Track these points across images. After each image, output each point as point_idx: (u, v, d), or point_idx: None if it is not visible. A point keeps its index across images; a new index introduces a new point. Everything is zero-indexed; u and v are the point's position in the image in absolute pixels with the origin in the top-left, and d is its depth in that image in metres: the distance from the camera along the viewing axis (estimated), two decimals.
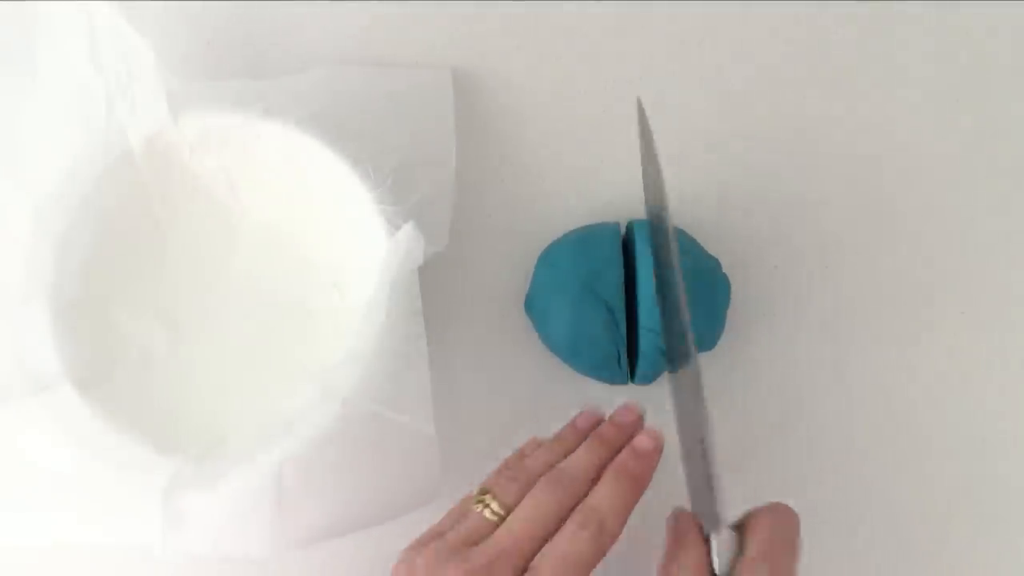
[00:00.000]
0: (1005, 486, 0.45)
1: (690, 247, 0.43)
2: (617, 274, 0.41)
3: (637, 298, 0.41)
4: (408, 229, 0.39)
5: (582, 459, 0.35)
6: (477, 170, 0.46)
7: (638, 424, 0.36)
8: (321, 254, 0.45)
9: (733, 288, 0.44)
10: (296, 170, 0.43)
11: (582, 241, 0.43)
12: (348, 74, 0.46)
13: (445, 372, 0.44)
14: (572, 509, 0.33)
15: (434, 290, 0.42)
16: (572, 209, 0.46)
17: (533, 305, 0.44)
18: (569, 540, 0.32)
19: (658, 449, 0.35)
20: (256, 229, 0.45)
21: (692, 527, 0.34)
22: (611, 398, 0.41)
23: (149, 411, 0.42)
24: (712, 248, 0.44)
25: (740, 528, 0.34)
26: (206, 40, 0.47)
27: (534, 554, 0.32)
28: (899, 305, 0.46)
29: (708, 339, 0.43)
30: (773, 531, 0.33)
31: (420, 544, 0.34)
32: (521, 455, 0.37)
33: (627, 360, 0.42)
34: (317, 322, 0.45)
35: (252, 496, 0.38)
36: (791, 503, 0.37)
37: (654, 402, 0.39)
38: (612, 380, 0.44)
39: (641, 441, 0.35)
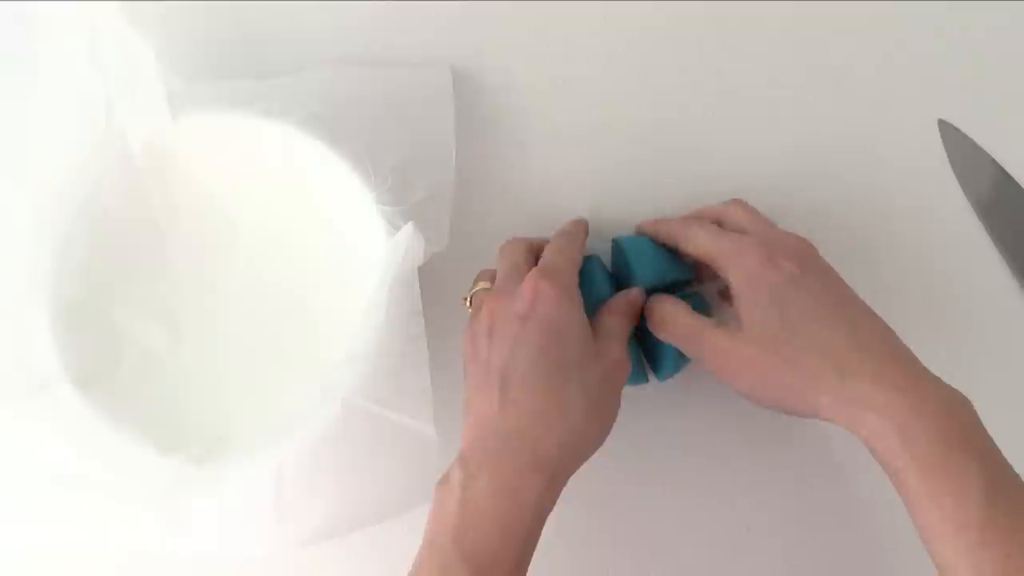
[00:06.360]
0: None
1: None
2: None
3: None
4: (408, 229, 0.39)
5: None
6: (477, 170, 0.46)
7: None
8: (321, 254, 0.45)
9: None
10: (296, 170, 0.43)
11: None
12: (348, 74, 0.46)
13: (445, 372, 0.44)
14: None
15: (434, 290, 0.42)
16: (571, 209, 0.46)
17: None
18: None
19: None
20: (256, 229, 0.45)
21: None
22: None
23: (149, 411, 0.42)
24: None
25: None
26: (206, 40, 0.47)
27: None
28: (899, 307, 0.46)
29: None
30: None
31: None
32: None
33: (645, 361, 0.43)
34: (317, 322, 0.45)
35: (252, 496, 0.38)
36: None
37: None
38: (634, 382, 0.44)
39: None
